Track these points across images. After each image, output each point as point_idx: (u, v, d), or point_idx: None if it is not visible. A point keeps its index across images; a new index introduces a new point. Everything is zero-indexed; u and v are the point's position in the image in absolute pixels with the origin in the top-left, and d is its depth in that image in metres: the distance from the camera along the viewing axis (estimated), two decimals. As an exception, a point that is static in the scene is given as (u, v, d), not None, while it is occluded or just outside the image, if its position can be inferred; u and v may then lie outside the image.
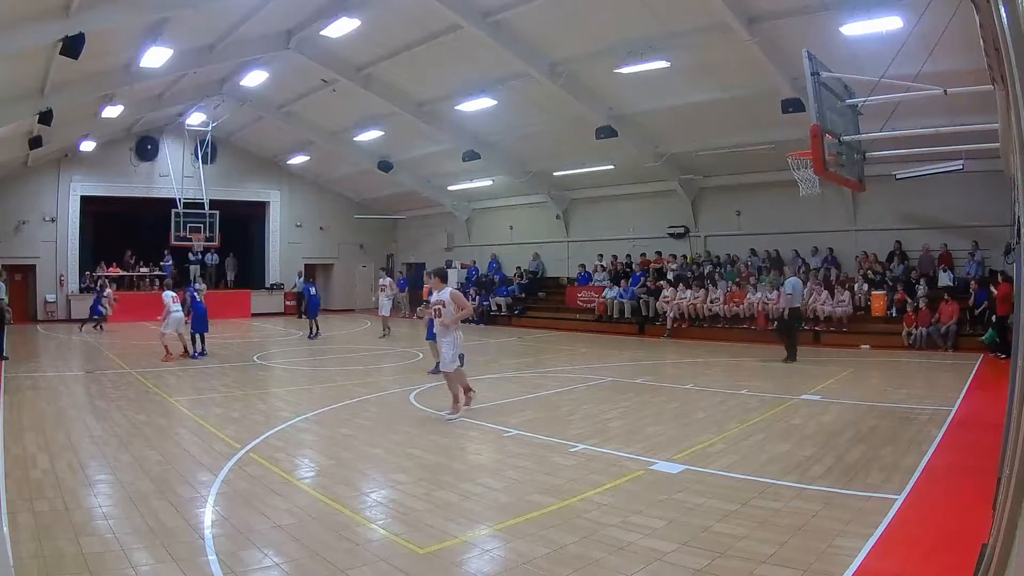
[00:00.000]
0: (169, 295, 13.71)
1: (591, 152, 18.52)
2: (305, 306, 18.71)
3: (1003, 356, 12.29)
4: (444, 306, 8.05)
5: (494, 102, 17.10)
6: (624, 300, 19.19)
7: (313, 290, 18.66)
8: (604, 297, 19.80)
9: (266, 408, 8.77)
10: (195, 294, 14.21)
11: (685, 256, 19.84)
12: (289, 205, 27.90)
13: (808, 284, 16.22)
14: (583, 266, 21.80)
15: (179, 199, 24.14)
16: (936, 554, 4.03)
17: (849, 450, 6.29)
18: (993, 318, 12.77)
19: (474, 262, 25.51)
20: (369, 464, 6.21)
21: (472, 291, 23.67)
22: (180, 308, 13.32)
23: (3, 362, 12.34)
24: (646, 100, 15.83)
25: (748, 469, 5.73)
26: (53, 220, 23.11)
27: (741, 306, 16.81)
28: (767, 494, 5.05)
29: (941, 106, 10.48)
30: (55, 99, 13.91)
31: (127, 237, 25.10)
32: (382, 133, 20.94)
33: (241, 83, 19.01)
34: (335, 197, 28.71)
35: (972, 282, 14.08)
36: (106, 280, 22.15)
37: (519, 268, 23.76)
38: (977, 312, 13.60)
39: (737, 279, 17.70)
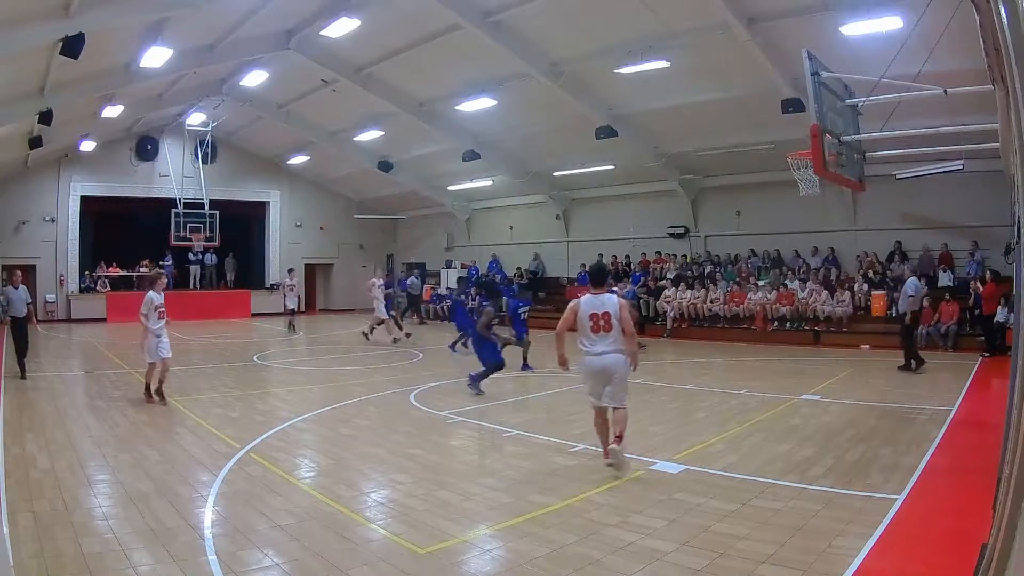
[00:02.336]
0: (153, 298, 8.79)
1: (591, 152, 18.52)
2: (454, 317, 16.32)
3: (987, 355, 12.32)
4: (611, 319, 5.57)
5: (494, 102, 17.09)
6: (624, 300, 19.14)
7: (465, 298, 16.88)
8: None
9: (266, 408, 8.77)
10: (460, 299, 13.47)
11: (685, 256, 19.84)
12: (289, 205, 27.88)
13: (809, 283, 16.26)
14: (584, 266, 21.78)
15: (179, 199, 24.15)
16: (936, 554, 4.03)
17: (849, 450, 6.29)
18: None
19: (474, 262, 25.51)
20: (369, 464, 6.21)
21: (473, 291, 23.67)
22: (160, 324, 8.73)
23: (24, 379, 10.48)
24: (646, 100, 15.83)
25: (748, 469, 5.73)
26: (53, 220, 23.09)
27: (741, 306, 16.82)
28: (767, 494, 5.05)
29: (941, 106, 10.47)
30: (55, 99, 13.91)
31: (127, 237, 25.09)
32: (382, 133, 20.94)
33: (241, 83, 18.99)
34: (335, 197, 28.71)
35: (972, 282, 14.09)
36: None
37: (519, 268, 23.76)
38: (977, 312, 13.61)
39: (737, 279, 17.71)
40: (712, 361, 13.14)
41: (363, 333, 16.52)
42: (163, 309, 8.83)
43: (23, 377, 10.55)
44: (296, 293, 19.37)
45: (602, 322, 5.56)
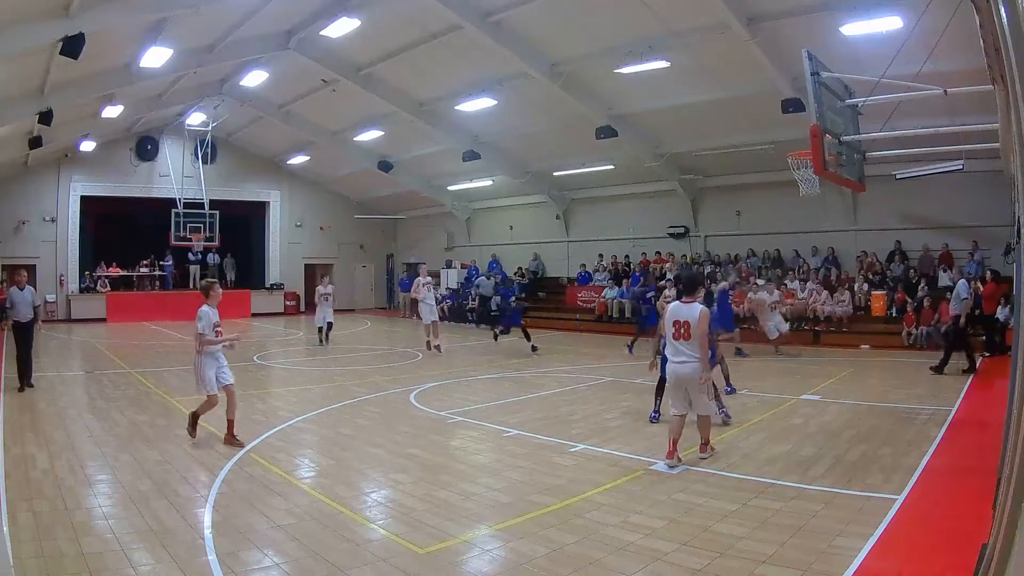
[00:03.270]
0: (209, 314, 6.69)
1: (591, 152, 18.52)
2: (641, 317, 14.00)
3: (987, 355, 12.32)
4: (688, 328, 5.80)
5: (494, 102, 17.10)
6: (624, 300, 19.18)
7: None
8: (604, 297, 19.80)
9: (266, 408, 8.77)
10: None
11: (685, 256, 19.85)
12: (289, 205, 27.89)
13: (808, 283, 16.25)
14: (584, 266, 21.80)
15: (179, 199, 24.15)
16: (936, 554, 4.03)
17: (849, 450, 6.29)
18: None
19: (474, 262, 25.52)
20: (369, 464, 6.21)
21: (472, 291, 23.68)
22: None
23: (27, 388, 9.45)
24: (646, 100, 15.83)
25: (748, 469, 5.73)
26: (53, 220, 23.09)
27: (741, 306, 16.80)
28: (767, 494, 5.05)
29: (941, 106, 10.48)
30: (55, 99, 13.91)
31: (127, 237, 25.11)
32: (382, 133, 20.94)
33: (241, 83, 19.00)
34: (335, 197, 28.72)
35: (973, 282, 14.08)
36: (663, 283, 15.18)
37: (520, 268, 23.76)
38: (977, 312, 13.60)
39: (737, 279, 17.69)
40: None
41: (433, 346, 13.76)
42: (220, 327, 6.83)
43: (21, 389, 9.32)
44: (331, 304, 16.14)
45: (683, 330, 5.81)
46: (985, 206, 13.89)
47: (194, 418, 6.82)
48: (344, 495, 5.20)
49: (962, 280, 11.65)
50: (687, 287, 6.09)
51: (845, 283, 16.15)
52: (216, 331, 6.73)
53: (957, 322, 11.31)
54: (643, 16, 12.69)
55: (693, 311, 5.82)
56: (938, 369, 10.82)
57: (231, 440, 6.64)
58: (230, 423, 6.72)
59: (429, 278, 14.41)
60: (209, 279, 7.24)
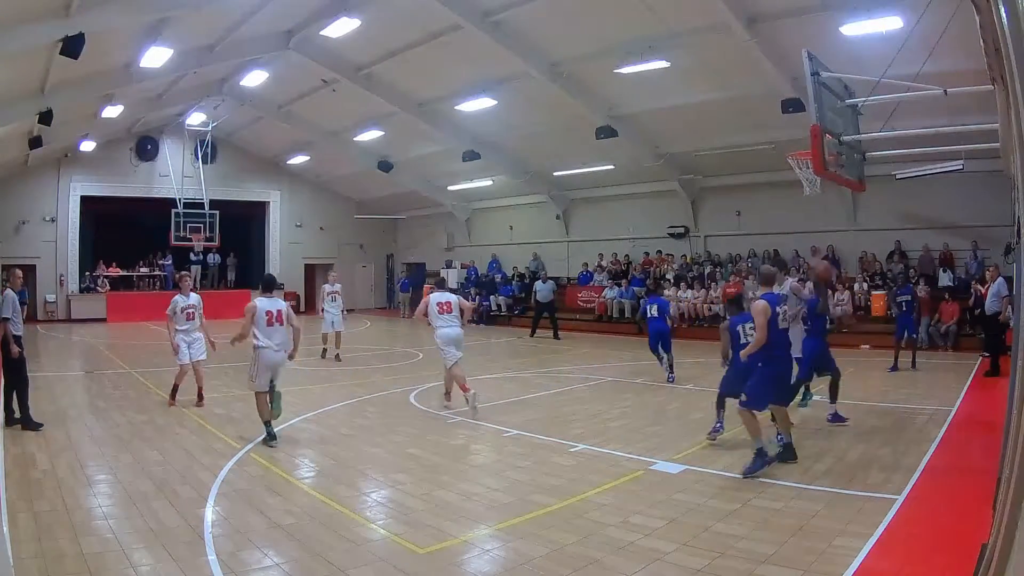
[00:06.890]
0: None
1: (591, 152, 18.52)
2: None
3: (987, 355, 12.29)
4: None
5: (494, 102, 17.09)
6: (624, 300, 19.18)
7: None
8: (604, 297, 19.81)
9: (266, 408, 8.75)
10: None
11: (685, 256, 19.85)
12: (289, 205, 27.89)
13: (808, 284, 16.22)
14: (585, 265, 21.81)
15: (179, 199, 24.14)
16: (936, 554, 4.03)
17: (849, 450, 6.29)
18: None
19: (473, 262, 25.52)
20: (369, 464, 6.21)
21: (472, 291, 23.69)
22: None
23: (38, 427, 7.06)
24: (646, 100, 15.83)
25: (748, 469, 5.71)
26: (53, 220, 23.09)
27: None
28: (767, 494, 5.05)
29: (941, 106, 10.45)
30: (55, 99, 13.90)
31: (127, 237, 25.09)
32: (382, 133, 20.94)
33: (241, 83, 19.00)
34: (335, 197, 28.72)
35: (973, 282, 14.08)
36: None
37: (516, 268, 23.72)
38: (977, 312, 13.60)
39: (737, 279, 17.70)
40: (712, 361, 13.10)
41: (334, 356, 13.03)
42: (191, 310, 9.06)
43: (28, 426, 6.99)
44: (340, 305, 13.37)
45: (446, 307, 8.38)
46: (985, 206, 13.88)
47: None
48: (344, 495, 5.20)
49: (1000, 278, 11.37)
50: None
51: (845, 283, 16.15)
52: (187, 313, 8.84)
53: (995, 319, 10.98)
54: (643, 16, 12.68)
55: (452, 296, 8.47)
56: (992, 372, 10.54)
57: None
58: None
59: (338, 286, 13.25)
60: (180, 272, 9.39)
